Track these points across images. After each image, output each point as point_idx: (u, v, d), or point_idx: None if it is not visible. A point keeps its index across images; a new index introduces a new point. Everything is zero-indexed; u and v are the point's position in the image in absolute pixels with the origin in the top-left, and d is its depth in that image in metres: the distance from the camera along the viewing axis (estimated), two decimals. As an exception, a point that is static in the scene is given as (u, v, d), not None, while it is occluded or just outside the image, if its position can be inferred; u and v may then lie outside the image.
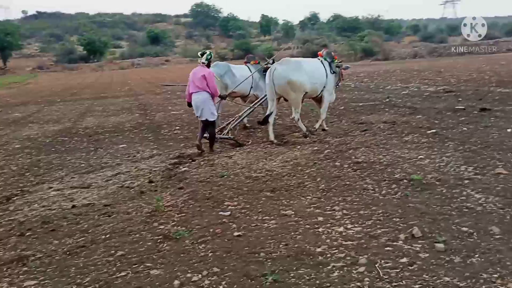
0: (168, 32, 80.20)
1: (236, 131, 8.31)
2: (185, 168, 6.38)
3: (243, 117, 8.44)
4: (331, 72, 7.99)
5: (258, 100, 8.59)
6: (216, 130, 7.60)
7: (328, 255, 3.45)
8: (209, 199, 4.94)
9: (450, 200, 4.41)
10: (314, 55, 9.30)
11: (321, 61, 8.00)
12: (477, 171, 5.20)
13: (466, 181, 4.89)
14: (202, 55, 7.26)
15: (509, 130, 7.15)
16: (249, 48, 55.61)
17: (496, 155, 5.78)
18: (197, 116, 7.25)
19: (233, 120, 8.35)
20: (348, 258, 3.39)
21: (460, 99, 11.01)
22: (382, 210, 4.28)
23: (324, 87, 7.89)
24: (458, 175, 5.11)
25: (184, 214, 4.54)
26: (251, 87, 8.87)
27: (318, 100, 8.14)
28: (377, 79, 19.34)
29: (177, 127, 10.29)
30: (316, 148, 6.98)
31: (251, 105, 8.60)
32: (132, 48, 70.75)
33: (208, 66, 7.25)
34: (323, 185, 5.15)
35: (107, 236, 4.14)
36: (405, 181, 5.03)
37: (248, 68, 9.03)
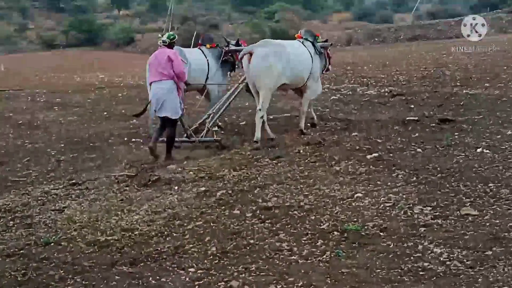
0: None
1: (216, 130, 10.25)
2: (-18, 233, 5.96)
3: (220, 111, 10.14)
4: (316, 53, 9.85)
5: (235, 88, 10.50)
6: (188, 132, 9.42)
7: None
8: (22, 285, 4.66)
9: (400, 258, 4.65)
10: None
11: (302, 42, 9.83)
12: (437, 213, 5.56)
13: (422, 229, 5.20)
14: (162, 35, 8.82)
15: (479, 150, 7.74)
16: (94, 28, 54.38)
17: (462, 188, 6.21)
18: (154, 111, 8.71)
19: (208, 116, 9.90)
20: None
21: (412, 105, 11.80)
22: (304, 281, 4.38)
23: (310, 73, 9.64)
24: (411, 221, 5.41)
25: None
26: (207, 77, 10.67)
27: (300, 90, 10.00)
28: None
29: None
30: (203, 188, 6.99)
31: (227, 96, 10.44)
32: None
33: (170, 47, 8.71)
34: (214, 248, 5.15)
35: None
36: (336, 233, 5.22)
37: (202, 52, 10.91)
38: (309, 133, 9.75)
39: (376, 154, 7.93)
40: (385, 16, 58.95)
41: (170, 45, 8.73)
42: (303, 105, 9.94)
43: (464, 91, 13.19)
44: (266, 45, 9.33)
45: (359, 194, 6.28)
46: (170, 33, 8.92)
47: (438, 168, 7.03)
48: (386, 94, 13.90)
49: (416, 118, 10.31)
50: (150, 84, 8.73)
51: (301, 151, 8.45)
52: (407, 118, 10.31)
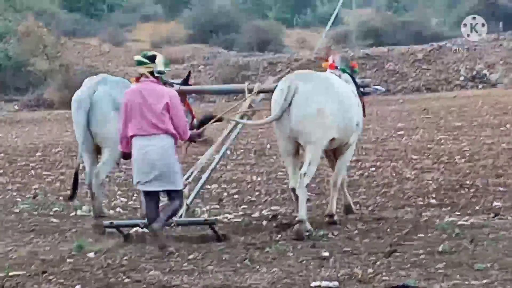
0: None
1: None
2: None
3: (205, 178, 7.98)
4: (358, 93, 7.93)
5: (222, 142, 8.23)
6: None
7: None
8: None
9: None
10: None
11: (340, 76, 7.84)
12: None
13: None
14: (150, 59, 6.51)
15: None
16: None
17: None
18: (139, 183, 6.52)
19: (185, 186, 7.31)
20: None
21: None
22: None
23: (357, 124, 7.76)
24: None
25: None
26: None
27: (335, 152, 7.95)
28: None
29: None
30: None
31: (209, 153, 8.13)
32: None
33: (160, 82, 6.70)
34: None
35: None
36: None
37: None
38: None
39: None
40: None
41: (160, 79, 6.72)
42: (338, 176, 7.74)
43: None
44: (311, 79, 7.36)
45: None
46: (163, 58, 6.75)
47: None
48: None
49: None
50: (131, 137, 6.51)
51: None
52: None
